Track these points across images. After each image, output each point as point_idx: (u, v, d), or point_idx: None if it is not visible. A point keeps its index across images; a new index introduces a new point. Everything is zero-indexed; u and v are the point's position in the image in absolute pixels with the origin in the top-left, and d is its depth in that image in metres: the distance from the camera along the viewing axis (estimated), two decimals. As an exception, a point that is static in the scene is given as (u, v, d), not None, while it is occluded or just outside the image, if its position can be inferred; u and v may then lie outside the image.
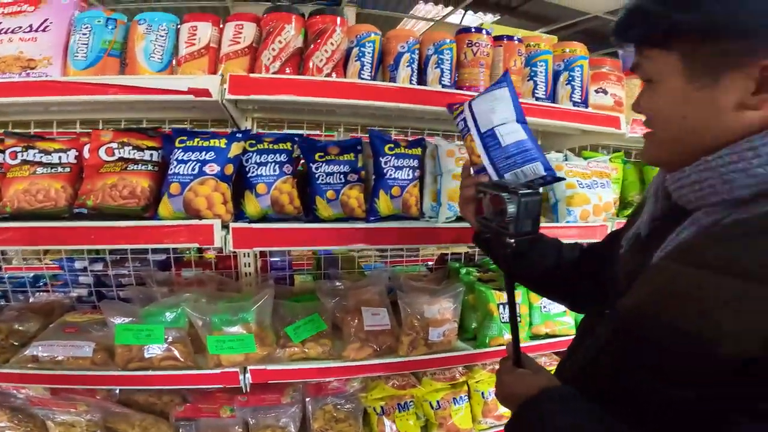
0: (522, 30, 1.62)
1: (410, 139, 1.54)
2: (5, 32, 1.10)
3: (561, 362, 0.86)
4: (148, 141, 1.16)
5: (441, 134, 1.66)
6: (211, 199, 1.09)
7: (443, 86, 1.29)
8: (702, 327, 0.51)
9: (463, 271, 1.66)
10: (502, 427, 1.53)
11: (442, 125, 1.64)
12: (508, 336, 1.41)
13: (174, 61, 1.16)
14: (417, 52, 1.30)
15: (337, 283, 1.48)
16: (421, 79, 1.32)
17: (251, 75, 1.11)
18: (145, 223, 1.08)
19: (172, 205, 1.08)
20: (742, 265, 0.50)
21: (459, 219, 1.28)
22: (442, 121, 1.29)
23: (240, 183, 1.19)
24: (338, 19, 1.19)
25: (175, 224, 1.08)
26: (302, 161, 1.30)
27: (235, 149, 1.15)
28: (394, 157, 1.25)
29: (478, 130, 1.02)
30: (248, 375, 1.21)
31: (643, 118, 0.69)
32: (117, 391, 1.34)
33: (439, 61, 1.30)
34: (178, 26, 1.17)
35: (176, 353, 1.18)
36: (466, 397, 1.55)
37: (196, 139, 1.13)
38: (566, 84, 1.44)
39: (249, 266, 1.54)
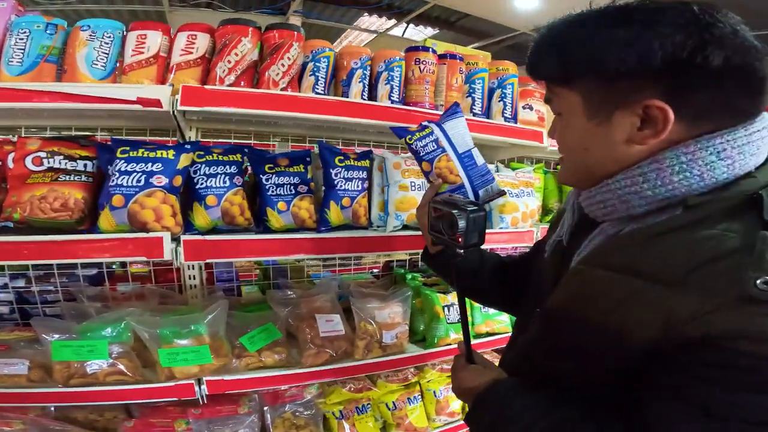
0: (459, 46, 1.72)
1: (357, 150, 1.58)
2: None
3: (501, 357, 0.95)
4: (81, 150, 1.11)
5: (386, 146, 1.73)
6: (159, 211, 1.07)
7: (392, 102, 1.35)
8: (609, 320, 0.60)
9: (409, 276, 1.73)
10: (456, 423, 1.62)
11: (387, 137, 1.71)
12: (454, 336, 1.50)
13: (117, 70, 1.13)
14: (369, 68, 1.34)
15: (289, 293, 1.49)
16: (371, 94, 1.36)
17: (206, 87, 1.10)
18: (86, 237, 1.03)
19: (114, 217, 1.05)
20: (639, 266, 0.59)
21: (405, 227, 1.35)
22: (387, 134, 1.36)
23: (188, 195, 1.17)
24: (295, 34, 1.20)
25: (119, 237, 1.04)
26: (249, 171, 1.30)
27: (184, 160, 1.13)
28: (344, 169, 1.30)
29: (455, 150, 1.10)
30: (204, 386, 1.19)
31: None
32: (52, 409, 1.25)
33: (389, 78, 1.34)
34: (125, 34, 1.13)
35: (122, 368, 1.14)
36: (420, 397, 1.61)
37: (141, 150, 1.10)
38: (499, 101, 1.54)
39: (194, 278, 1.50)
